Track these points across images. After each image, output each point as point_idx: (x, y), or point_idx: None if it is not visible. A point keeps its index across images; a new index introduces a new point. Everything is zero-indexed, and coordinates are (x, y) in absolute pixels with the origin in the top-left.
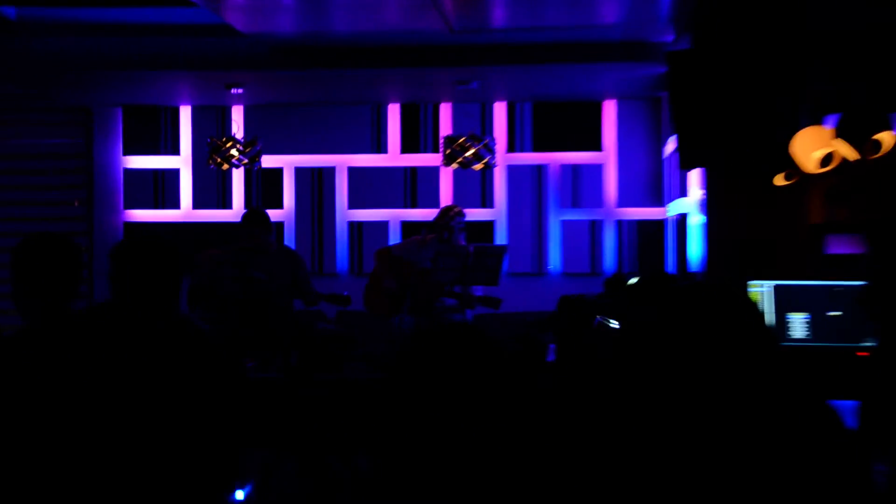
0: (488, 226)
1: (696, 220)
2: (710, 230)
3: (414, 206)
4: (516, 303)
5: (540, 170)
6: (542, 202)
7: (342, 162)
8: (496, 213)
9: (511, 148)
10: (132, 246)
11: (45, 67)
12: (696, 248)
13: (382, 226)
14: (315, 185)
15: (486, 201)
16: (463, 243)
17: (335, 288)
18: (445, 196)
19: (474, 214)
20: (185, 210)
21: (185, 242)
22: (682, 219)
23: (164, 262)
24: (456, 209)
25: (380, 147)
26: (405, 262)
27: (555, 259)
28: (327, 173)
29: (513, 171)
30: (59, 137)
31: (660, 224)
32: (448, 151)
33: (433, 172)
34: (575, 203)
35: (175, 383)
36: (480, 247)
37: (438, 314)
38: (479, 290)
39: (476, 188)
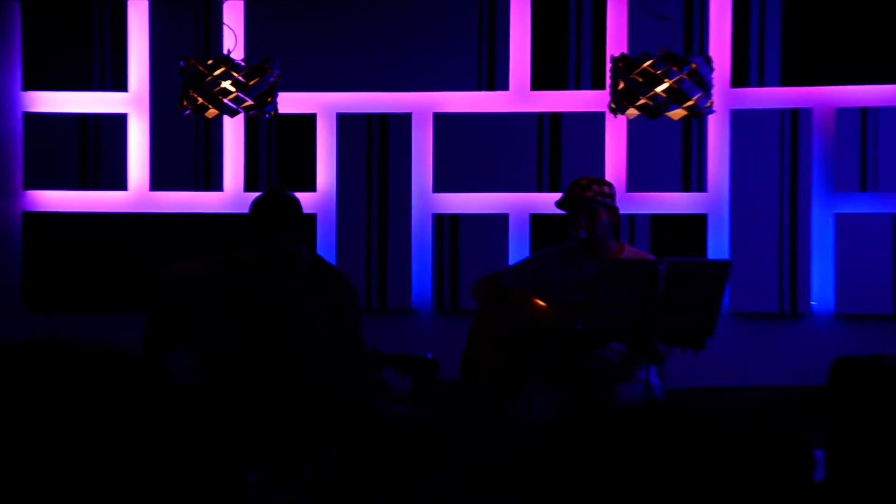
0: (696, 223)
1: None
2: None
3: (555, 187)
4: (747, 367)
5: (795, 119)
6: (797, 181)
7: (424, 105)
8: (710, 200)
9: (740, 80)
10: None
11: None
12: None
13: (497, 222)
14: (374, 146)
15: (691, 179)
16: (637, 251)
17: (409, 341)
18: (614, 168)
19: (668, 204)
20: (137, 191)
21: (138, 250)
22: None
23: None
24: (586, 181)
25: (493, 80)
26: (527, 298)
27: (822, 287)
28: (397, 126)
29: (742, 121)
30: None
31: None
32: (621, 86)
33: (592, 125)
34: (865, 184)
35: None
36: (681, 262)
37: (596, 384)
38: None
39: (673, 154)
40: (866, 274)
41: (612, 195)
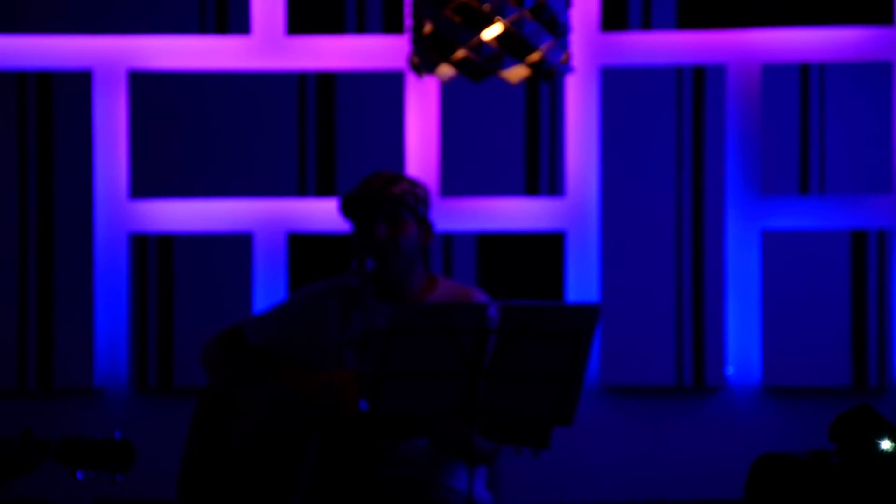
0: (548, 246)
1: None
2: None
3: (325, 190)
4: (627, 472)
5: (700, 82)
6: (703, 180)
7: (113, 57)
8: (569, 209)
9: (615, 21)
10: None
11: None
12: None
13: (235, 246)
14: (28, 124)
15: (540, 177)
16: (459, 286)
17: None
18: (419, 159)
19: (505, 215)
20: None
21: None
22: None
23: None
24: (389, 174)
25: (225, 17)
26: (287, 366)
27: (743, 347)
28: (68, 91)
29: (618, 84)
30: None
31: None
32: (428, 30)
33: (385, 91)
34: (807, 183)
35: None
36: (522, 309)
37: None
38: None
39: (511, 139)
40: (810, 325)
41: (426, 202)
